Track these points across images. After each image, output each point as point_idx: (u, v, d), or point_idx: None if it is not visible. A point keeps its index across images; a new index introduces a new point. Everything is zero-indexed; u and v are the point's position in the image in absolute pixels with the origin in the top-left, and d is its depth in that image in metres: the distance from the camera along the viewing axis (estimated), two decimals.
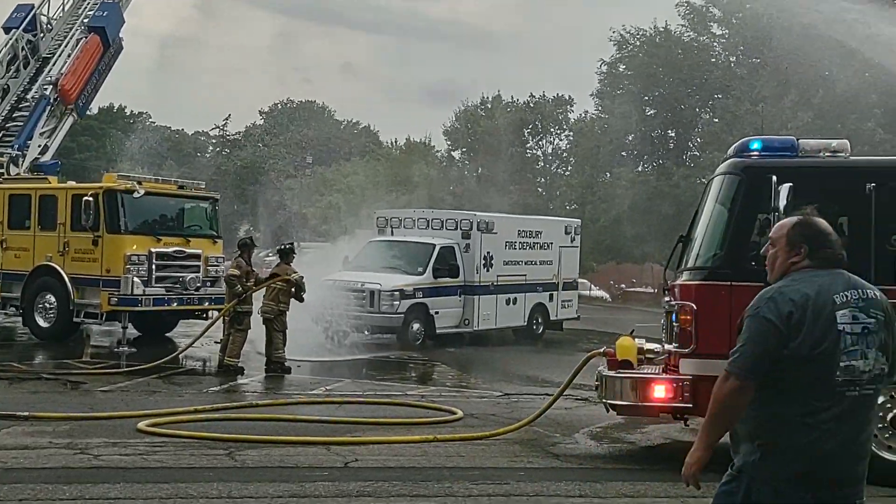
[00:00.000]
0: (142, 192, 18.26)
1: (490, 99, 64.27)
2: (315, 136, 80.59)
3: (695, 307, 9.30)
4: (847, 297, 3.71)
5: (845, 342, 3.66)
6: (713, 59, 49.09)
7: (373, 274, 20.68)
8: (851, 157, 9.51)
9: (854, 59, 21.00)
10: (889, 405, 8.68)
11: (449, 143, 66.48)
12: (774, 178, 8.82)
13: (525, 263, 23.52)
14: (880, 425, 8.68)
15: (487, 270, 22.26)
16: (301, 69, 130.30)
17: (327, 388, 14.28)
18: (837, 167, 9.28)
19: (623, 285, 55.89)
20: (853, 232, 9.23)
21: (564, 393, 11.16)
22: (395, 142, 72.78)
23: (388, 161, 65.63)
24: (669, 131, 52.74)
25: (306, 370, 16.11)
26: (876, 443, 8.65)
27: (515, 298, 23.15)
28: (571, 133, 61.81)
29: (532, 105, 63.33)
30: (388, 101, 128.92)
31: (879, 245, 8.89)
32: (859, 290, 3.75)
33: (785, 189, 8.68)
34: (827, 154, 9.29)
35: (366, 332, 20.40)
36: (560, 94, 63.48)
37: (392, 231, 23.05)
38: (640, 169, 52.43)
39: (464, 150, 65.41)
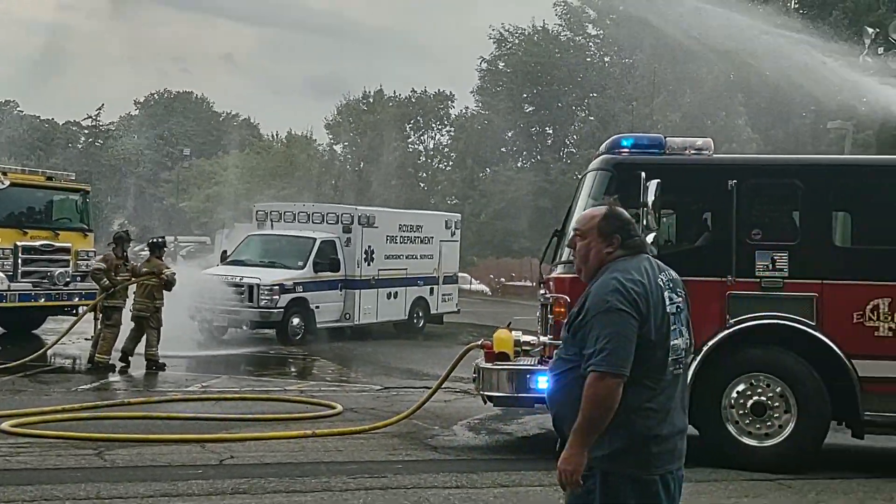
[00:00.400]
0: (7, 183, 17.50)
1: (372, 93, 64.14)
2: (193, 128, 78.79)
3: (568, 300, 9.52)
4: (663, 279, 3.88)
5: (670, 323, 3.82)
6: (588, 59, 50.28)
7: (252, 268, 20.39)
8: (715, 155, 9.91)
9: (719, 61, 21.94)
10: (749, 392, 9.10)
11: (331, 136, 66.08)
12: (643, 174, 9.13)
13: (406, 257, 23.60)
14: (741, 412, 9.09)
15: (368, 264, 22.22)
16: (179, 59, 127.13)
17: (203, 384, 14.00)
18: (701, 164, 9.66)
19: (503, 279, 56.70)
20: (716, 226, 9.65)
21: (443, 386, 11.27)
22: (276, 135, 71.87)
23: (269, 154, 64.72)
24: (548, 128, 53.77)
25: (182, 367, 15.75)
26: (737, 429, 9.08)
27: (396, 292, 23.21)
28: (453, 129, 62.27)
29: (414, 100, 63.51)
30: (269, 94, 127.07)
31: (740, 239, 9.30)
32: (666, 272, 3.93)
33: (653, 185, 9.00)
34: (692, 151, 9.66)
35: (244, 328, 20.09)
36: (441, 90, 63.94)
37: (272, 225, 22.74)
38: (519, 165, 53.29)
39: (346, 143, 65.07)
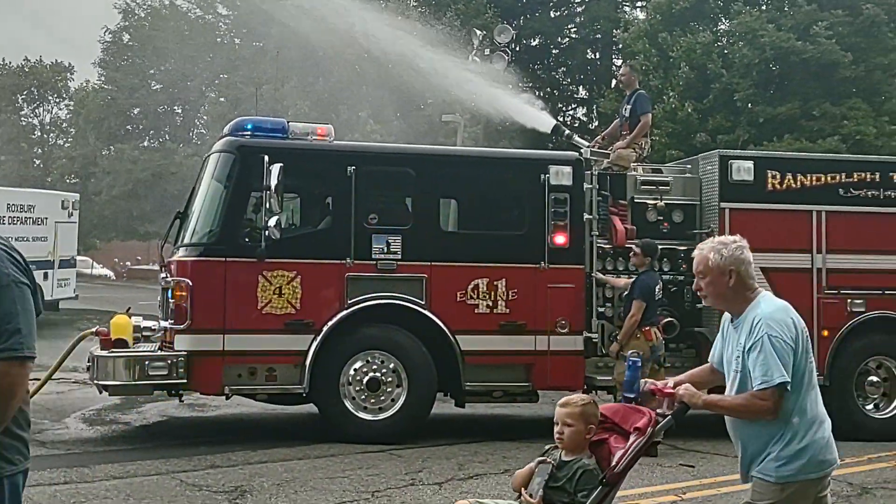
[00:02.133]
0: None
1: None
2: None
3: (190, 283, 9.40)
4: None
5: None
6: (219, 39, 49.35)
7: None
8: (335, 142, 10.23)
9: (344, 54, 22.69)
10: (365, 369, 9.56)
11: None
12: (266, 157, 9.25)
13: (15, 240, 21.59)
14: (358, 388, 9.53)
15: None
16: None
17: None
18: (322, 150, 9.94)
19: (129, 263, 54.35)
20: (336, 211, 9.99)
21: (55, 377, 10.59)
22: None
23: None
24: (176, 107, 52.12)
25: None
26: (354, 405, 9.53)
27: None
28: (72, 102, 58.17)
29: (27, 70, 58.42)
30: None
31: (358, 223, 9.71)
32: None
33: (276, 168, 9.15)
34: (313, 137, 9.91)
35: None
36: (59, 61, 59.38)
37: None
38: (145, 144, 51.09)
39: None
